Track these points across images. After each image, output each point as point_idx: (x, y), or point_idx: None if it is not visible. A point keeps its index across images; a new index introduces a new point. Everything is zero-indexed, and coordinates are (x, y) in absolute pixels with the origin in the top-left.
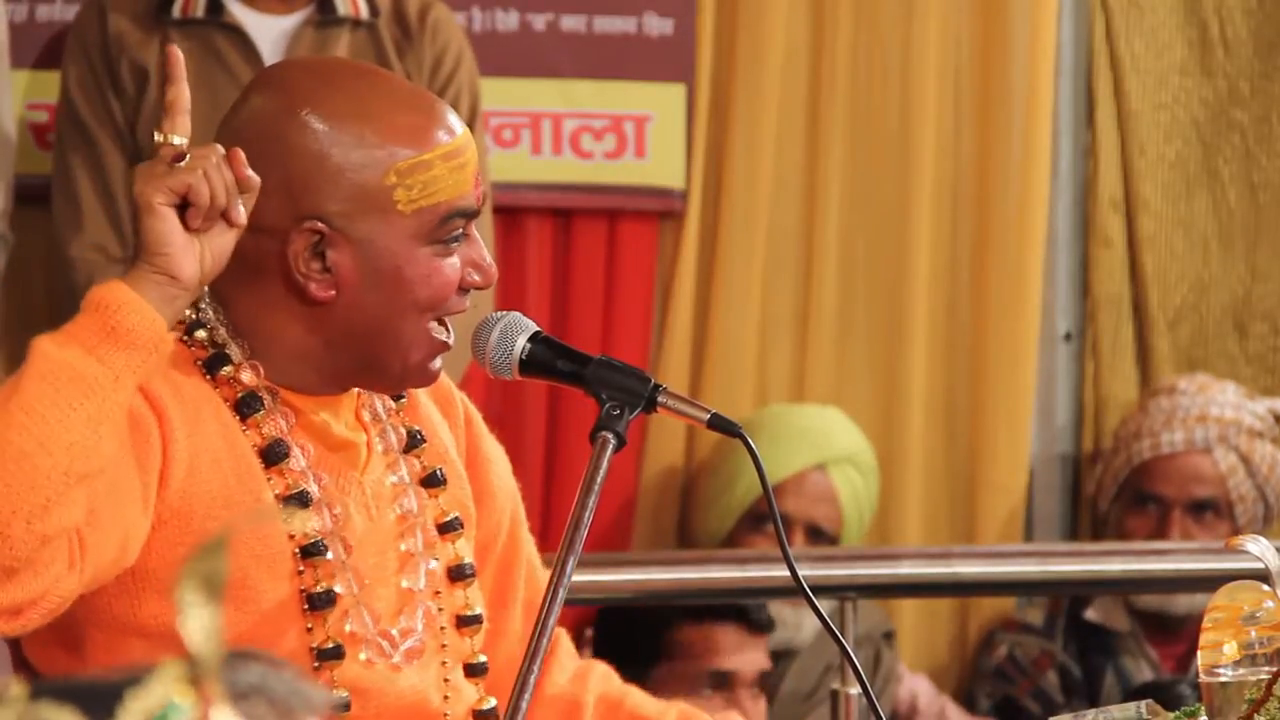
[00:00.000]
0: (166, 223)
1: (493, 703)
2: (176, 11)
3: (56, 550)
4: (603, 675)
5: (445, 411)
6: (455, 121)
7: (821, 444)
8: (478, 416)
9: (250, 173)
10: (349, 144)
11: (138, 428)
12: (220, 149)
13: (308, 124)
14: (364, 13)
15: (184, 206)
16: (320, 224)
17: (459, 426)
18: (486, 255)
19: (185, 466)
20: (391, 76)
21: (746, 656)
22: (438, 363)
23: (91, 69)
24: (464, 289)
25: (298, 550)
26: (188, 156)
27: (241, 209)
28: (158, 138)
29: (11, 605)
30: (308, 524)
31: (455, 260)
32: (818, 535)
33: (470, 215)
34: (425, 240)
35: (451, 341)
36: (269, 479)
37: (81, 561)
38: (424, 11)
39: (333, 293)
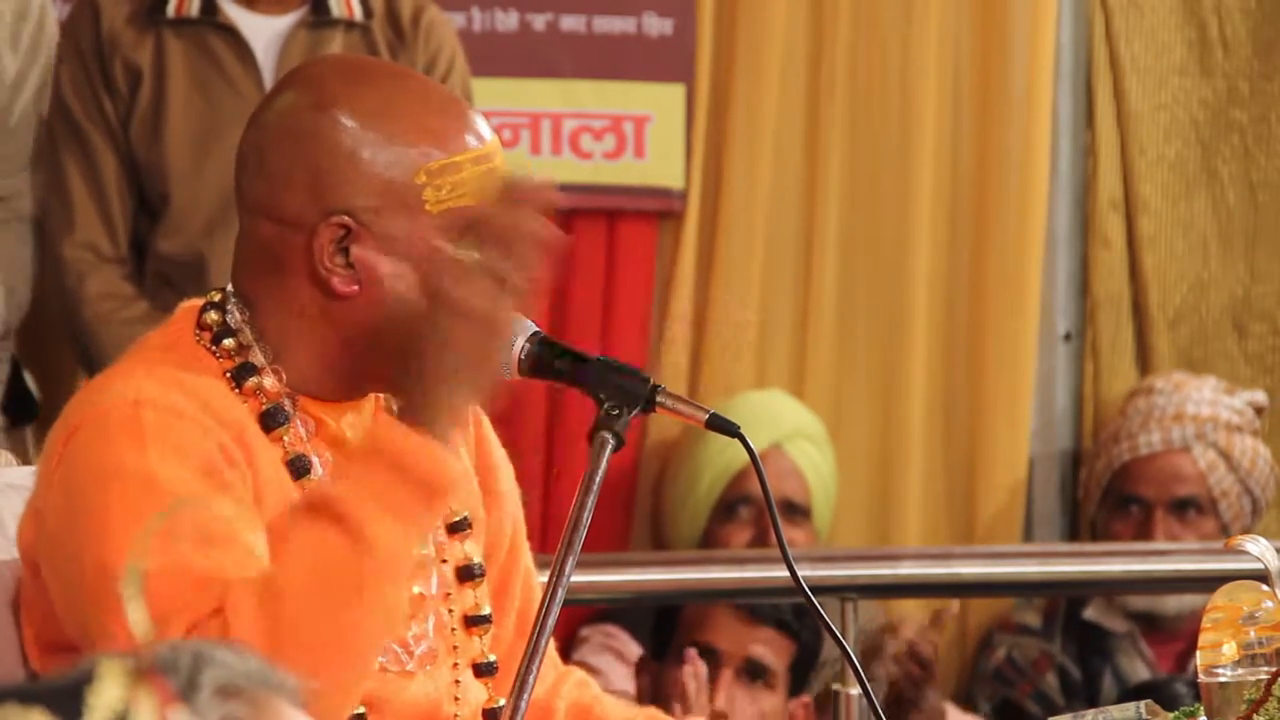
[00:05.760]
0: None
1: (502, 702)
2: (170, 11)
3: None
4: (577, 683)
5: None
6: (485, 128)
7: (773, 422)
8: (486, 421)
9: None
10: (379, 142)
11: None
12: None
13: (338, 120)
14: (358, 14)
15: None
16: (348, 219)
17: (468, 430)
18: None
19: (256, 495)
20: (423, 79)
21: (736, 639)
22: None
23: (84, 68)
24: None
25: None
26: None
27: None
28: None
29: None
30: None
31: None
32: (792, 509)
33: None
34: (450, 242)
35: None
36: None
37: None
38: (417, 14)
39: (355, 288)
